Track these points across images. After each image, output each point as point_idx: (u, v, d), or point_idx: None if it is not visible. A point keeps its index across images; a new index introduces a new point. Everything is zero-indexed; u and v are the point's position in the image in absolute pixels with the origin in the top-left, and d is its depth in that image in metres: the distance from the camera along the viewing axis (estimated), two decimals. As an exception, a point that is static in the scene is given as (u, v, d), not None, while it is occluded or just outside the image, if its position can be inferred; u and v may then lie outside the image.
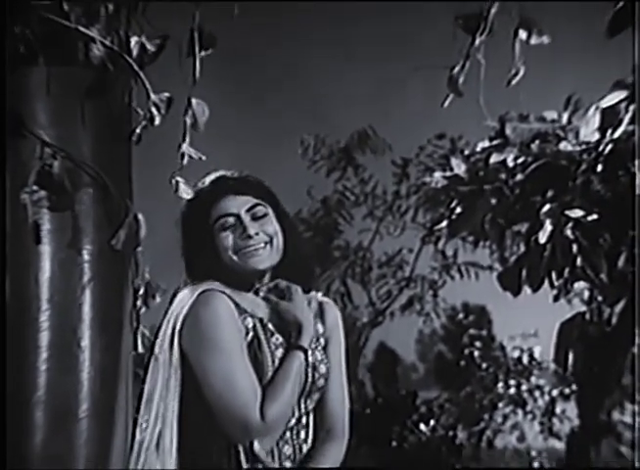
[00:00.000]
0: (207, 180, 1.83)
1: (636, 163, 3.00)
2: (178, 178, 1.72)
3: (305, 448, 1.80)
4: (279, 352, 1.76)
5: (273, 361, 1.75)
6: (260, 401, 1.68)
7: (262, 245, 1.80)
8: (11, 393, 1.52)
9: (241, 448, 1.69)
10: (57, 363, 1.54)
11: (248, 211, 1.82)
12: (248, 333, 1.73)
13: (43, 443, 1.51)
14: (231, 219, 1.81)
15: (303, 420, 1.80)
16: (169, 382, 1.71)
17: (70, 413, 1.53)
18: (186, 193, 1.73)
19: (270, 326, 1.79)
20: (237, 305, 1.75)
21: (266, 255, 1.81)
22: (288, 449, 1.77)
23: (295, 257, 1.86)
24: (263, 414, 1.67)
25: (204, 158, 1.73)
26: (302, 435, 1.80)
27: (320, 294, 1.92)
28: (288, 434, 1.77)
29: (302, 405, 1.79)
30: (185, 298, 1.72)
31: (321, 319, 1.86)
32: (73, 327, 1.56)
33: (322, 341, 1.84)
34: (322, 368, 1.81)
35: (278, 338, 1.78)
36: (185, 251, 1.84)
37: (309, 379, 1.79)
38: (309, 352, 1.79)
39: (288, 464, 1.76)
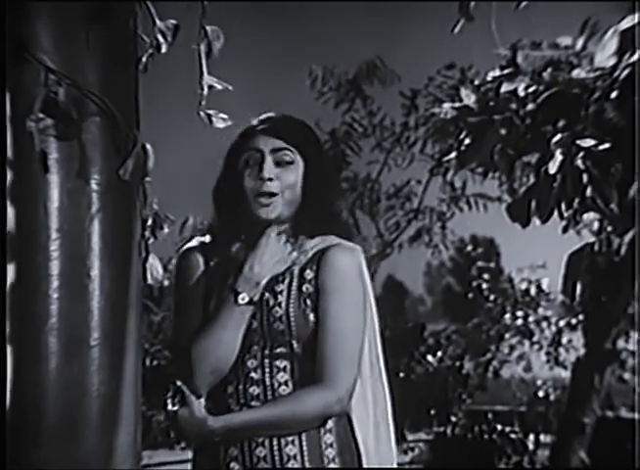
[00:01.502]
0: (258, 119, 1.88)
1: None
2: (209, 111, 1.69)
3: (287, 391, 1.79)
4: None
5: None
6: (188, 341, 1.81)
7: (275, 192, 1.84)
8: (26, 319, 1.54)
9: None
10: (68, 292, 1.55)
11: (272, 152, 1.85)
12: (208, 276, 1.88)
13: (58, 368, 1.53)
14: (255, 155, 1.86)
15: (281, 363, 1.80)
16: None
17: (83, 341, 1.55)
18: (222, 121, 1.70)
19: (230, 268, 1.86)
20: (208, 251, 1.90)
21: (273, 205, 1.84)
22: (255, 390, 1.79)
23: (313, 209, 1.88)
24: (189, 354, 1.79)
25: (230, 87, 1.70)
26: (283, 377, 1.80)
27: (337, 239, 1.88)
28: (254, 374, 1.80)
29: (267, 348, 1.80)
30: None
31: (317, 265, 1.82)
32: (83, 257, 1.56)
33: (307, 287, 1.82)
34: (277, 311, 1.80)
35: (231, 279, 1.83)
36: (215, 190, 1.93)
37: (264, 322, 1.80)
38: (266, 295, 1.81)
39: (257, 404, 1.79)
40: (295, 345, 1.79)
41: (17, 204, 1.54)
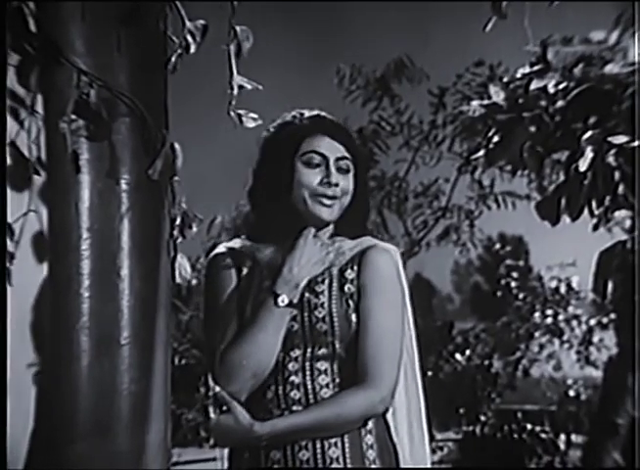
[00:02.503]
0: (306, 114, 1.86)
1: None
2: (239, 111, 1.69)
3: (328, 394, 1.78)
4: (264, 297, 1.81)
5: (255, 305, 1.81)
6: (225, 345, 1.78)
7: (337, 197, 1.85)
8: (57, 318, 1.55)
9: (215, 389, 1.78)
10: (98, 291, 1.56)
11: (337, 160, 1.88)
12: (241, 281, 1.85)
13: (89, 366, 1.55)
14: (319, 158, 1.86)
15: (322, 365, 1.79)
16: None
17: (113, 339, 1.56)
18: (252, 121, 1.70)
19: (265, 272, 1.83)
20: (237, 256, 1.87)
21: (333, 207, 1.87)
22: (296, 394, 1.78)
23: (352, 214, 1.88)
24: (222, 358, 1.77)
25: (260, 87, 1.70)
26: (324, 380, 1.79)
27: (374, 240, 1.88)
28: (295, 378, 1.78)
29: (309, 350, 1.79)
30: None
31: (358, 266, 1.83)
32: (113, 256, 1.58)
33: (349, 288, 1.81)
34: (320, 312, 1.79)
35: (267, 283, 1.81)
36: (254, 187, 1.88)
37: (306, 323, 1.78)
38: (306, 296, 1.79)
39: (299, 408, 1.77)
40: (337, 345, 1.78)
41: (49, 204, 1.56)
